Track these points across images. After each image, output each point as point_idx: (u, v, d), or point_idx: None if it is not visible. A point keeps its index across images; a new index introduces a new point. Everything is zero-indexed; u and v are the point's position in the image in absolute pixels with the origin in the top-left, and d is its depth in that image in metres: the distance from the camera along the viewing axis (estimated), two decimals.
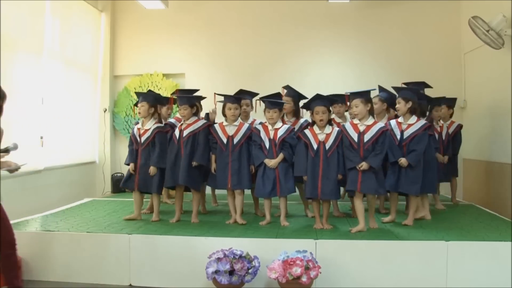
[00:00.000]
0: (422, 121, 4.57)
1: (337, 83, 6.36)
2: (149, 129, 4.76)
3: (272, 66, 7.31)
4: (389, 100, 5.07)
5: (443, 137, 5.46)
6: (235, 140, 4.67)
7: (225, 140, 4.68)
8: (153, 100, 4.86)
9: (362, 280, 3.83)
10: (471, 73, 6.81)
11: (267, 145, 4.58)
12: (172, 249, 4.03)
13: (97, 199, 6.35)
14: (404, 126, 4.56)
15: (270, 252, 3.79)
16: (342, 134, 4.39)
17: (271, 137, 4.57)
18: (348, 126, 4.42)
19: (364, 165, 4.21)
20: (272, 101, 4.67)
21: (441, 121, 5.54)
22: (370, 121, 4.35)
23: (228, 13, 7.47)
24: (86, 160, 7.05)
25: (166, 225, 4.61)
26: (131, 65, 7.64)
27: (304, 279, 3.50)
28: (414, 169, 4.46)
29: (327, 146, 4.36)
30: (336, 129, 4.45)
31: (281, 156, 4.53)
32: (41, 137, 5.78)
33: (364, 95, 4.36)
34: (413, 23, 7.19)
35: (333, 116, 4.90)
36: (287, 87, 5.13)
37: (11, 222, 4.53)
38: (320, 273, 3.58)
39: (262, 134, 4.61)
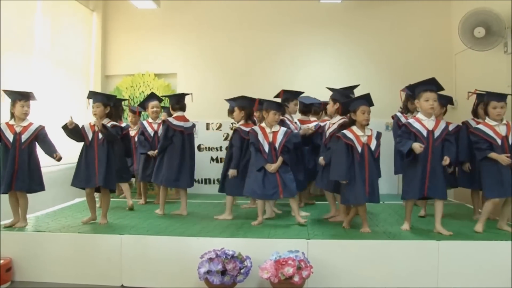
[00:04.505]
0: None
1: (328, 83, 6.34)
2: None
3: (264, 66, 7.33)
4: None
5: None
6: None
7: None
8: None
9: (354, 279, 3.84)
10: (462, 73, 6.85)
11: (267, 149, 4.51)
12: (164, 250, 4.01)
13: None
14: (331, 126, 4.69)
15: (262, 252, 3.79)
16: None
17: (270, 140, 4.53)
18: None
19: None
20: (279, 103, 4.66)
21: None
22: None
23: (220, 13, 7.47)
24: (77, 160, 6.95)
25: (158, 225, 4.59)
26: (122, 65, 7.62)
27: (296, 279, 3.50)
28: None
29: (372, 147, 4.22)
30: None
31: (280, 160, 4.50)
32: None
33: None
34: (404, 23, 7.23)
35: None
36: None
37: (2, 222, 4.52)
38: (312, 273, 3.59)
39: (261, 137, 4.53)
